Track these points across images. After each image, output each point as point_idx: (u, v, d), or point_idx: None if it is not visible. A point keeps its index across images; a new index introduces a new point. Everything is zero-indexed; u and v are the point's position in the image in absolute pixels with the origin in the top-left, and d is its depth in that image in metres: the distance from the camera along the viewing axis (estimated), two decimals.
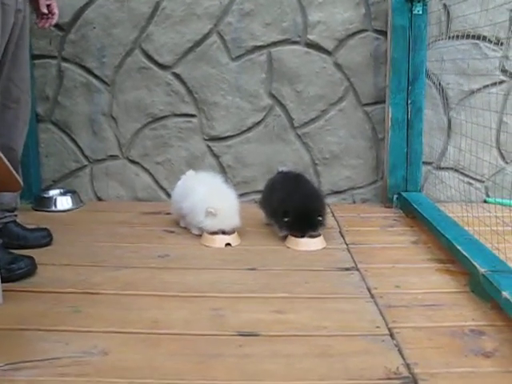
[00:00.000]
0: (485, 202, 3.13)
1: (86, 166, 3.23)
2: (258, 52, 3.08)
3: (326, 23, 3.04)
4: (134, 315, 1.74)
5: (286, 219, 2.38)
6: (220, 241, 2.42)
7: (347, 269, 2.15)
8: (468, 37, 2.89)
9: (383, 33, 3.02)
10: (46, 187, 3.22)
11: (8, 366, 1.43)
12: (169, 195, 2.99)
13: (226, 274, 2.11)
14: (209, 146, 3.18)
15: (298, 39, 3.06)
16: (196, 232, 2.53)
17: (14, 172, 1.77)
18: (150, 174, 3.22)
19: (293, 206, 2.38)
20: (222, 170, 3.17)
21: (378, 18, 3.02)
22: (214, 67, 3.09)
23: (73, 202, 3.07)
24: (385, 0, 2.97)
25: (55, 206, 3.02)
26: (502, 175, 3.13)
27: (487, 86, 3.01)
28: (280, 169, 2.76)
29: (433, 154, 3.14)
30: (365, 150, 3.17)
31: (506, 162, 3.15)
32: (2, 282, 1.84)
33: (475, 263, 1.87)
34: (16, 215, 2.43)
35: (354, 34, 3.05)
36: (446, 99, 3.08)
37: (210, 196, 2.46)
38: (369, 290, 1.94)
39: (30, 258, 2.08)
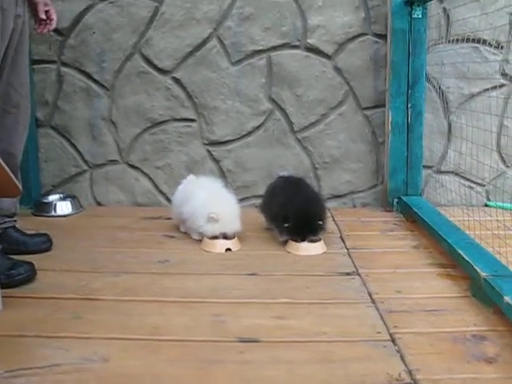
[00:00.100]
0: (486, 205, 3.13)
1: (85, 170, 3.23)
2: (257, 56, 3.07)
3: (325, 27, 3.04)
4: (135, 321, 1.73)
5: (286, 224, 2.38)
6: (220, 246, 2.41)
7: (348, 274, 2.15)
8: (468, 40, 2.90)
9: (383, 36, 3.02)
10: (46, 192, 3.21)
11: (8, 373, 1.42)
12: (169, 200, 2.99)
13: (226, 279, 2.10)
14: (209, 151, 3.17)
15: (297, 43, 3.06)
16: (196, 237, 2.52)
17: (14, 177, 1.77)
18: (150, 178, 3.21)
19: (293, 211, 2.37)
20: (222, 174, 3.16)
21: (378, 21, 3.02)
22: (214, 72, 3.09)
23: (72, 207, 3.06)
24: (384, 4, 2.97)
25: (55, 211, 3.01)
26: (503, 179, 3.13)
27: (487, 89, 3.02)
28: (280, 173, 2.76)
29: (433, 157, 3.13)
30: (365, 153, 3.16)
31: (507, 166, 3.14)
32: (1, 288, 1.83)
33: (477, 268, 1.86)
34: (16, 220, 2.42)
35: (354, 37, 3.05)
36: (446, 103, 3.08)
37: (210, 201, 2.46)
38: (370, 295, 1.93)
39: (30, 263, 2.07)
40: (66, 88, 3.14)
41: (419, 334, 1.64)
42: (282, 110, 3.13)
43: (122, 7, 3.04)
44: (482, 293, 1.81)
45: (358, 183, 3.19)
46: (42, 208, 3.04)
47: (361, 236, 2.63)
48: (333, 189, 3.19)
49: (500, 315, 1.70)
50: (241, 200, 2.73)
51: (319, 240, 2.42)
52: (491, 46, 3.00)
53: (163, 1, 3.03)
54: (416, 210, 2.71)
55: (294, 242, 2.40)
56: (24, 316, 1.77)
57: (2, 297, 1.83)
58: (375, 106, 3.11)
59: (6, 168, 1.70)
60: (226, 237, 2.42)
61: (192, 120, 3.15)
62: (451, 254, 2.15)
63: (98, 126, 3.17)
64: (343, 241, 2.56)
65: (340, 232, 2.69)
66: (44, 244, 2.40)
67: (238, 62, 3.08)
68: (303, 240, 2.38)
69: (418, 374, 1.41)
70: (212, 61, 3.08)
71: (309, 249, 2.38)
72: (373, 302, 1.88)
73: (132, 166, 3.21)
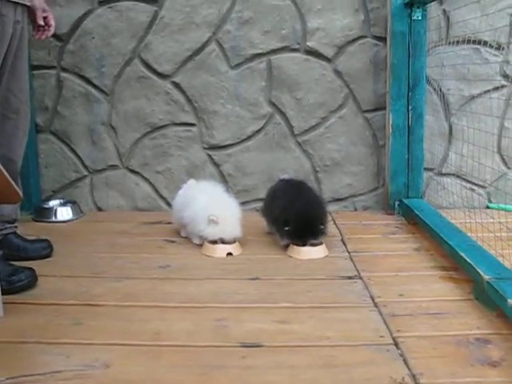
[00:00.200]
0: (487, 207, 3.12)
1: (85, 176, 3.22)
2: (257, 60, 3.07)
3: (325, 30, 3.03)
4: (136, 327, 1.73)
5: (286, 228, 2.37)
6: (221, 250, 2.40)
7: (350, 277, 2.14)
8: (468, 42, 2.89)
9: (383, 39, 3.01)
10: (46, 198, 3.21)
11: (9, 379, 1.41)
12: (169, 205, 2.98)
13: (227, 283, 2.10)
14: (209, 155, 3.17)
15: (297, 46, 3.05)
16: (197, 241, 2.51)
17: (14, 183, 1.76)
18: (150, 183, 3.21)
19: (294, 214, 2.36)
20: (223, 178, 3.16)
21: (378, 24, 3.02)
22: (214, 76, 3.09)
23: (73, 213, 3.06)
24: (384, 6, 2.97)
25: (55, 217, 3.01)
26: (504, 180, 3.12)
27: (488, 91, 3.01)
28: (281, 177, 2.75)
29: (434, 160, 3.13)
30: (365, 156, 3.16)
31: (508, 168, 3.14)
32: (2, 295, 1.83)
33: (479, 270, 1.85)
34: (16, 226, 2.42)
35: (354, 40, 3.05)
36: (447, 105, 3.08)
37: (211, 205, 2.45)
38: (372, 299, 1.92)
39: (31, 269, 2.07)
40: (66, 93, 3.13)
41: (422, 338, 1.63)
42: (282, 114, 3.12)
43: (121, 12, 3.04)
44: (485, 296, 1.80)
45: (358, 186, 3.19)
46: (42, 214, 3.04)
47: (362, 239, 2.63)
48: (334, 192, 3.18)
49: (503, 318, 1.69)
50: (242, 204, 2.71)
51: (320, 244, 2.41)
52: (492, 47, 3.00)
53: (162, 5, 3.03)
54: (417, 213, 2.70)
55: (295, 246, 2.39)
56: (25, 322, 1.76)
57: (3, 303, 1.82)
58: (375, 109, 3.10)
59: (6, 174, 1.70)
60: (224, 242, 2.41)
61: (192, 124, 3.15)
62: (453, 257, 2.14)
63: (98, 131, 3.16)
64: (344, 244, 2.55)
65: (341, 235, 2.68)
66: (45, 250, 2.39)
67: (238, 65, 3.08)
68: (304, 244, 2.37)
69: (421, 378, 1.40)
70: (211, 65, 3.08)
71: (310, 253, 2.37)
72: (375, 305, 1.87)
73: (132, 171, 3.20)
